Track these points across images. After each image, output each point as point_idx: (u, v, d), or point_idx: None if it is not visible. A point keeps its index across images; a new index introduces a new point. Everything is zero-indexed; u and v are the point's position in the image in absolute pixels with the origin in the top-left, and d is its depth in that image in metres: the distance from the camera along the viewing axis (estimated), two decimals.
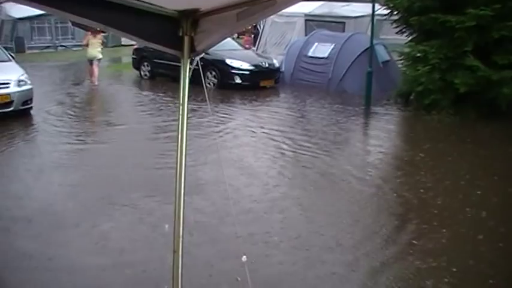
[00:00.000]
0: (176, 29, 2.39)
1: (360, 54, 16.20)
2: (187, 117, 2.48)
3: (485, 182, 8.37)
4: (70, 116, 12.94)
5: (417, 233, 6.43)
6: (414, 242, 6.17)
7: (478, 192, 7.86)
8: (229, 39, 18.86)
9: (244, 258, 3.36)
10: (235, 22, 2.26)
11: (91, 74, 17.73)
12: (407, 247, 6.04)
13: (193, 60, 2.51)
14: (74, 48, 29.83)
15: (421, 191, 7.88)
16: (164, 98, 15.19)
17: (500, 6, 12.46)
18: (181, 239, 2.51)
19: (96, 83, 17.57)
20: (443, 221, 6.75)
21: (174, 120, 10.49)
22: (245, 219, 6.58)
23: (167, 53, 2.56)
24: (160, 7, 2.27)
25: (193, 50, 2.47)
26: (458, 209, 7.16)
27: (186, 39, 2.42)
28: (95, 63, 17.58)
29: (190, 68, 2.53)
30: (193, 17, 2.36)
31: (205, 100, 11.25)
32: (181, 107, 2.49)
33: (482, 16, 12.48)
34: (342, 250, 5.96)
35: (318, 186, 8.15)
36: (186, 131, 2.47)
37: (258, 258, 5.55)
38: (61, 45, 31.57)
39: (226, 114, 13.07)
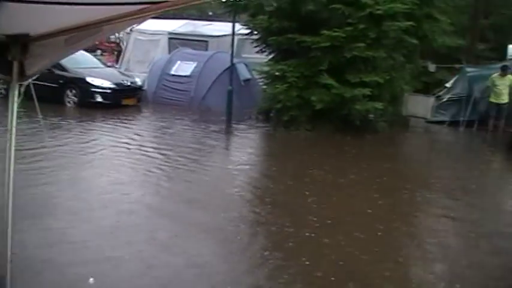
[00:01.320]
0: (5, 54, 2.33)
1: (222, 73, 16.43)
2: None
3: (337, 189, 8.93)
4: None
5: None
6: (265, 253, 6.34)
7: (324, 204, 8.24)
8: (90, 56, 18.52)
9: (91, 280, 3.32)
10: (64, 47, 2.24)
11: None
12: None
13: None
14: None
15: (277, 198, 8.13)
16: None
17: (352, 29, 13.21)
18: (9, 265, 2.44)
19: None
20: (297, 222, 6.99)
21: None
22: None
23: None
24: None
25: (23, 75, 2.41)
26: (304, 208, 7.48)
27: (15, 64, 2.36)
28: None
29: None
30: (22, 42, 2.31)
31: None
32: (9, 132, 2.43)
33: (335, 37, 13.16)
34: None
35: (179, 198, 8.13)
36: (13, 155, 2.42)
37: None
38: None
39: (83, 132, 12.70)
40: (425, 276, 5.97)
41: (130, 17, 2.15)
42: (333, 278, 5.64)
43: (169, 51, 19.86)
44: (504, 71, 15.89)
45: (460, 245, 7.06)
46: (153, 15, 2.21)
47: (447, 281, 5.86)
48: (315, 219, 7.36)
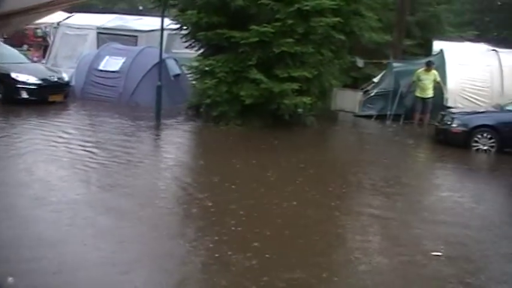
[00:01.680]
0: None
1: (151, 68, 16.23)
2: None
3: (263, 184, 9.04)
4: None
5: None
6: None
7: (248, 198, 8.31)
8: (15, 51, 17.96)
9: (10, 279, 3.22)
10: None
11: None
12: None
13: None
14: None
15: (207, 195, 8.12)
16: None
17: (280, 24, 13.30)
18: None
19: None
20: (223, 216, 7.00)
21: None
22: None
23: None
24: None
25: None
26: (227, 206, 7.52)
27: None
28: None
29: None
30: None
31: None
32: None
33: (264, 33, 13.22)
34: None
35: (107, 195, 8.02)
36: None
37: None
38: None
39: (7, 129, 12.30)
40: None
41: (43, 9, 2.10)
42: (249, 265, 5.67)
43: (98, 46, 19.49)
44: (429, 66, 16.38)
45: (384, 241, 7.20)
46: (64, 7, 2.15)
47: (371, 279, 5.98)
48: (241, 212, 7.40)
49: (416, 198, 9.41)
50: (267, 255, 6.08)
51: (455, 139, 13.76)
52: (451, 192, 9.80)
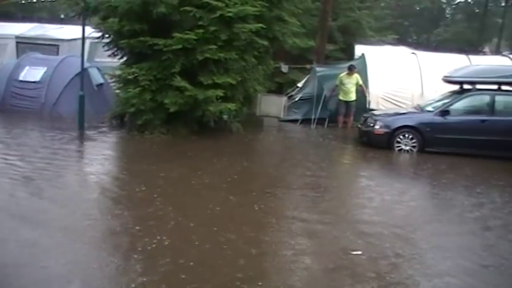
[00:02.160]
0: None
1: (73, 78, 15.92)
2: None
3: (188, 192, 8.98)
4: None
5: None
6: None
7: (171, 206, 8.26)
8: None
9: None
10: None
11: None
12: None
13: None
14: None
15: (132, 205, 8.01)
16: None
17: (203, 31, 13.29)
18: None
19: None
20: (146, 227, 6.92)
21: None
22: None
23: None
24: None
25: None
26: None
27: None
28: None
29: None
30: None
31: None
32: None
33: (187, 40, 13.18)
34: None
35: (29, 207, 7.79)
36: None
37: None
38: None
39: None
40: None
41: None
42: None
43: (18, 56, 18.97)
44: (351, 70, 16.77)
45: (312, 244, 7.27)
46: None
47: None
48: (160, 222, 7.36)
49: (341, 199, 9.56)
50: (191, 263, 6.07)
51: (379, 140, 14.12)
52: (375, 193, 10.00)
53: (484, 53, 49.88)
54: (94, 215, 7.73)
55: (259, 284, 5.76)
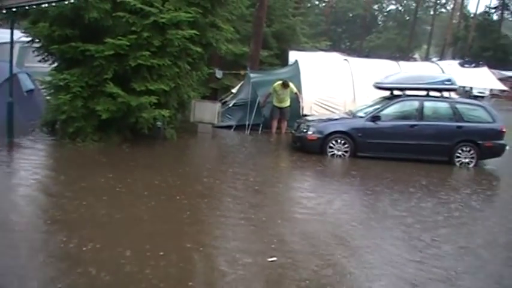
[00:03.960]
0: None
1: (1, 84, 15.41)
2: None
3: (120, 200, 8.86)
4: None
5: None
6: None
7: (101, 215, 8.14)
8: None
9: None
10: None
11: None
12: None
13: None
14: None
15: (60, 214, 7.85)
16: None
17: (136, 37, 13.17)
18: None
19: None
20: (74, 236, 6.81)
21: None
22: None
23: None
24: None
25: None
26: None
27: None
28: None
29: None
30: None
31: None
32: None
33: (120, 45, 13.02)
34: None
35: None
36: None
37: None
38: None
39: None
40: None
41: None
42: None
43: None
44: (285, 85, 16.91)
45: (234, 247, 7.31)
46: None
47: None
48: (95, 230, 7.27)
49: (273, 205, 9.63)
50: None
51: (312, 146, 14.35)
52: (306, 199, 10.16)
53: (414, 59, 51.33)
54: (17, 225, 7.54)
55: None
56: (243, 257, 6.79)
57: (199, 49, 14.27)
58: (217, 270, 6.42)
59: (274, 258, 6.75)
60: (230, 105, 18.12)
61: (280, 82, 17.00)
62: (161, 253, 6.66)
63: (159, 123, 14.04)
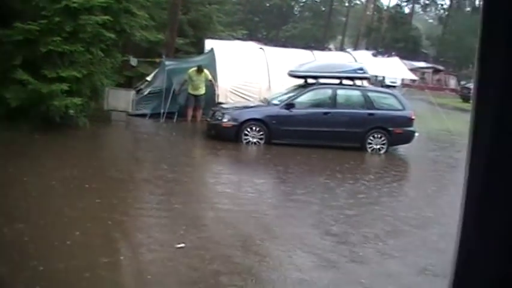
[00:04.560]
0: None
1: None
2: None
3: (30, 192, 8.57)
4: None
5: None
6: None
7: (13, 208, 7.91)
8: None
9: None
10: None
11: None
12: None
13: None
14: None
15: None
16: None
17: (47, 22, 12.79)
18: None
19: None
20: None
21: None
22: None
23: None
24: None
25: None
26: None
27: None
28: None
29: None
30: None
31: None
32: None
33: (29, 30, 12.62)
34: None
35: None
36: None
37: None
38: None
39: None
40: None
41: None
42: None
43: None
44: (199, 70, 16.86)
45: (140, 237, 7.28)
46: None
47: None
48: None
49: (186, 193, 9.65)
50: None
51: (227, 133, 14.41)
52: (221, 186, 10.24)
53: (329, 50, 52.28)
54: None
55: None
56: (151, 243, 6.79)
57: (112, 35, 14.02)
58: (125, 257, 6.37)
59: (182, 245, 6.76)
60: (145, 93, 17.90)
61: (194, 68, 16.95)
62: (68, 242, 6.53)
63: (71, 112, 13.68)
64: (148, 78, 19.36)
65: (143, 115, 17.14)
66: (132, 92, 16.83)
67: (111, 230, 7.19)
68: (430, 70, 49.85)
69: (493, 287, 1.19)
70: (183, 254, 6.54)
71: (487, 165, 1.16)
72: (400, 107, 15.43)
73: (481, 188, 1.18)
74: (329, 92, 15.18)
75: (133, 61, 19.65)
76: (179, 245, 6.74)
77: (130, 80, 20.32)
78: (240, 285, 5.86)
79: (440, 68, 53.21)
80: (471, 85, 39.36)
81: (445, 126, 19.82)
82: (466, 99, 38.64)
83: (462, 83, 47.38)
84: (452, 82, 50.51)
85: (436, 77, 49.75)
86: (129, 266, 6.15)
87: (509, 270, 1.16)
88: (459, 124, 18.50)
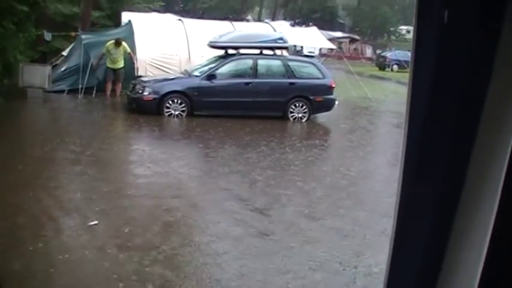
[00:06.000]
0: None
1: None
2: None
3: None
4: None
5: None
6: None
7: None
8: None
9: None
10: None
11: None
12: None
13: None
14: None
15: None
16: None
17: None
18: None
19: None
20: None
21: None
22: None
23: None
24: None
25: None
26: None
27: None
28: None
29: None
30: None
31: None
32: None
33: None
34: None
35: None
36: None
37: None
38: None
39: None
40: None
41: None
42: None
43: None
44: (118, 43, 16.51)
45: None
46: None
47: None
48: None
49: (108, 167, 9.55)
50: None
51: (148, 106, 14.24)
52: (143, 160, 10.15)
53: (248, 21, 52.17)
54: None
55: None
56: (65, 221, 6.66)
57: (25, 8, 13.50)
58: (38, 236, 6.16)
59: (96, 222, 6.64)
60: (62, 68, 17.35)
61: (112, 41, 16.58)
62: None
63: None
64: (64, 53, 18.77)
65: (61, 91, 16.55)
66: (48, 68, 16.26)
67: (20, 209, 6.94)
68: (347, 40, 50.64)
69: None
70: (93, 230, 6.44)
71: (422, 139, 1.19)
72: (320, 76, 15.66)
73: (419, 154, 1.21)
74: (250, 62, 15.22)
75: (48, 36, 19.01)
76: (92, 223, 6.62)
77: (45, 56, 19.63)
78: None
79: (357, 37, 54.19)
80: (387, 54, 40.36)
81: (363, 94, 20.31)
82: (382, 67, 39.67)
83: (378, 52, 48.58)
84: (369, 51, 51.61)
85: (353, 46, 50.61)
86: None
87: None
88: (377, 91, 19.01)
